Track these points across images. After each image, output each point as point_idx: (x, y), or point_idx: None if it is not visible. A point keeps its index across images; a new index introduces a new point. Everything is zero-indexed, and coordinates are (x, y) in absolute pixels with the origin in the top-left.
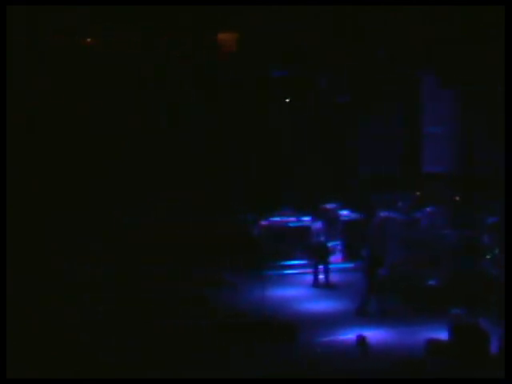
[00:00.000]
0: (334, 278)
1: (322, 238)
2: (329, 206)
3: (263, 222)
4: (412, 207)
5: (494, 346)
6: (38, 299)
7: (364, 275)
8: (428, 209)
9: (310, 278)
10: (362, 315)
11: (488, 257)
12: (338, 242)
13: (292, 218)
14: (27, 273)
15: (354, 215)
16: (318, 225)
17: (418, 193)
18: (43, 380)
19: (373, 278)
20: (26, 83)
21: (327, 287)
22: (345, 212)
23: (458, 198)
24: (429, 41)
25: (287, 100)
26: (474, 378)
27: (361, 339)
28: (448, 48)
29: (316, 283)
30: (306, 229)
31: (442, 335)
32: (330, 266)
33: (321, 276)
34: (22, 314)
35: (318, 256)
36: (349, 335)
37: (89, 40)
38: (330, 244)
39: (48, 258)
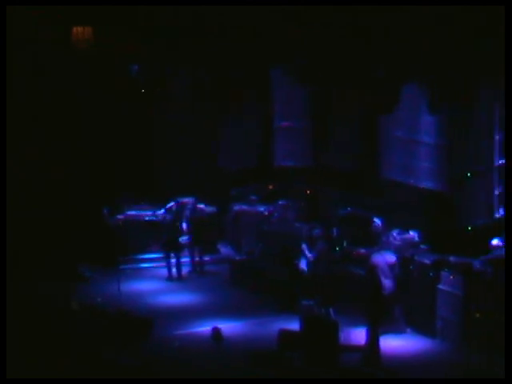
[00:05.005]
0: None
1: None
2: (186, 199)
3: (120, 216)
4: (264, 200)
5: (344, 336)
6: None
7: None
8: (280, 202)
9: (164, 271)
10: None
11: (337, 249)
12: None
13: (148, 212)
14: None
15: (209, 209)
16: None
17: (270, 186)
18: (43, 380)
19: None
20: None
21: (180, 280)
22: (201, 206)
23: (309, 192)
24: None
25: (143, 91)
26: (474, 378)
27: (216, 331)
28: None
29: (170, 277)
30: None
31: (295, 326)
32: (182, 260)
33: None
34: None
35: (171, 250)
36: (204, 328)
37: None
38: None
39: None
